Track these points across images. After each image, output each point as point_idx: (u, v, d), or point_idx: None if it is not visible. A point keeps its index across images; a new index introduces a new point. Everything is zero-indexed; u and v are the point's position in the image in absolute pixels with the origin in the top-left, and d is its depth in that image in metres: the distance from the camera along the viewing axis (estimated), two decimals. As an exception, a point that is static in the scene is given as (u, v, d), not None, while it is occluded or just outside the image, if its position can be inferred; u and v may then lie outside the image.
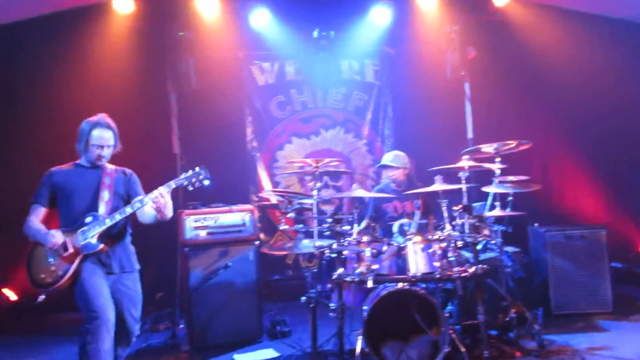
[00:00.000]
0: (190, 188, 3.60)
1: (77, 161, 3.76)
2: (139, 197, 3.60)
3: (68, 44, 6.14)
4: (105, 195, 3.63)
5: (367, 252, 3.93)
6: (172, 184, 3.58)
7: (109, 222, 3.52)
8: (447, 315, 3.85)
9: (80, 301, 3.40)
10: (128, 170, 3.88)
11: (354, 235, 4.00)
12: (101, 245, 3.50)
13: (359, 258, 3.96)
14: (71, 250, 3.47)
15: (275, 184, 6.90)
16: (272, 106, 6.96)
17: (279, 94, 6.96)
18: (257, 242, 4.91)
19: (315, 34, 6.58)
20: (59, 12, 6.17)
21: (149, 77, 6.33)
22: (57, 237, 3.49)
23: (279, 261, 6.82)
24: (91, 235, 3.48)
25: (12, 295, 5.99)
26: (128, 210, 3.55)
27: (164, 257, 5.81)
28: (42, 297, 3.50)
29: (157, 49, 6.32)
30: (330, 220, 3.88)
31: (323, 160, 4.19)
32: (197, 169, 3.62)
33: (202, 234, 4.80)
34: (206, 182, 3.63)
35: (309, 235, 4.29)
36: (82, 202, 3.60)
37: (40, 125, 6.05)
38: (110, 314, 3.36)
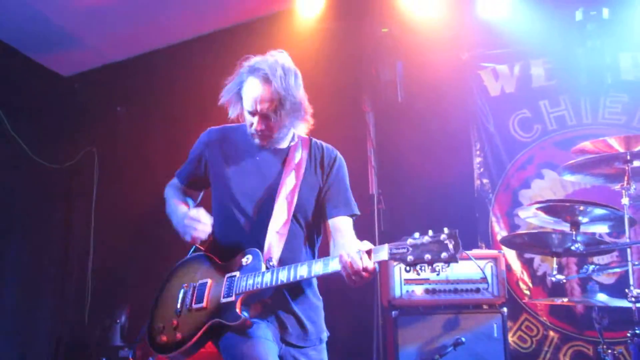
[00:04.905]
0: (416, 270, 1.91)
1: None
2: (324, 262, 2.02)
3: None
4: (282, 207, 2.19)
5: None
6: (385, 251, 1.93)
7: (268, 282, 2.05)
8: None
9: None
10: (330, 153, 2.40)
11: None
12: (243, 319, 2.04)
13: None
14: (204, 304, 2.13)
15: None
16: (512, 126, 4.89)
17: (522, 108, 4.88)
18: (504, 310, 3.68)
19: (579, 15, 4.56)
20: (233, 26, 5.15)
21: (339, 93, 4.82)
22: (202, 222, 2.18)
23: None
24: (238, 293, 2.07)
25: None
26: (301, 271, 2.02)
27: (352, 321, 4.28)
28: None
29: (351, 54, 4.90)
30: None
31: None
32: (444, 233, 1.88)
33: (419, 290, 3.80)
34: (447, 268, 1.90)
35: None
36: (243, 208, 2.25)
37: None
38: None
